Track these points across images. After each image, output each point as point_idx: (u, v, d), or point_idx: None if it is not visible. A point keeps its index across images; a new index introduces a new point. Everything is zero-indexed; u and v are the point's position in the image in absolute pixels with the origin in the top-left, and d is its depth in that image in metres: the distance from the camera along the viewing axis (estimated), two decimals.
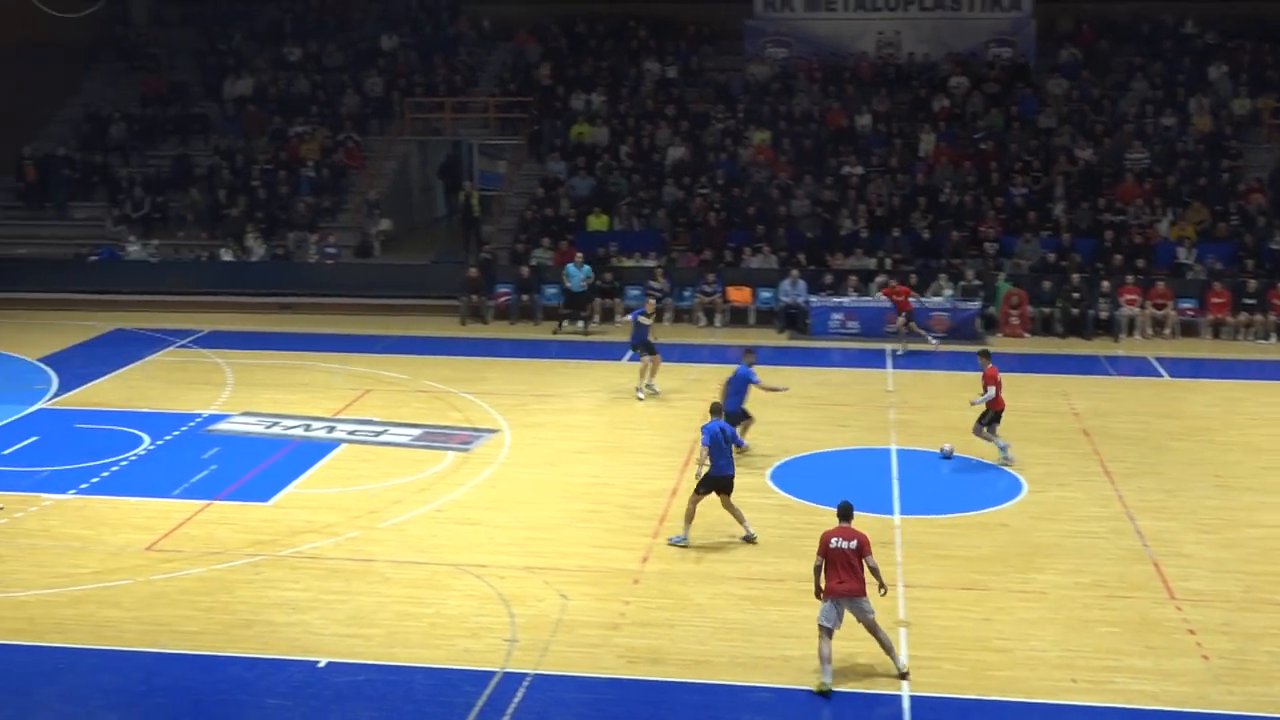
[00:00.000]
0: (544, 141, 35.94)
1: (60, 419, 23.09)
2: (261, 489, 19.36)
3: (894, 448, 21.17)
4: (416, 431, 22.09)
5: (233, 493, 19.21)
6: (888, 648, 13.86)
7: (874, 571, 13.80)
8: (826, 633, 13.70)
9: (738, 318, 30.51)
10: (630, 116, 35.87)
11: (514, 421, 22.73)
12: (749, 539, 17.25)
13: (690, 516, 17.17)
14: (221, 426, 22.47)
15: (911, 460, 20.58)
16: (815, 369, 26.45)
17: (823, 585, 13.91)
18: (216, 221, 34.52)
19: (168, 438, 21.82)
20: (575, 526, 18.00)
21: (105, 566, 16.66)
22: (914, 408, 23.45)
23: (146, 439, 21.75)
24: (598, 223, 33.00)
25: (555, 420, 22.87)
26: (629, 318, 24.99)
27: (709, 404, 18.00)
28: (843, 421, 22.64)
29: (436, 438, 21.80)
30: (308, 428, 22.33)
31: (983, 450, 20.66)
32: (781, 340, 29.12)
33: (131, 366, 26.69)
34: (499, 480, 19.86)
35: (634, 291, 30.60)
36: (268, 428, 22.37)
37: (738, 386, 20.13)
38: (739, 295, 30.62)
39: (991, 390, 20.24)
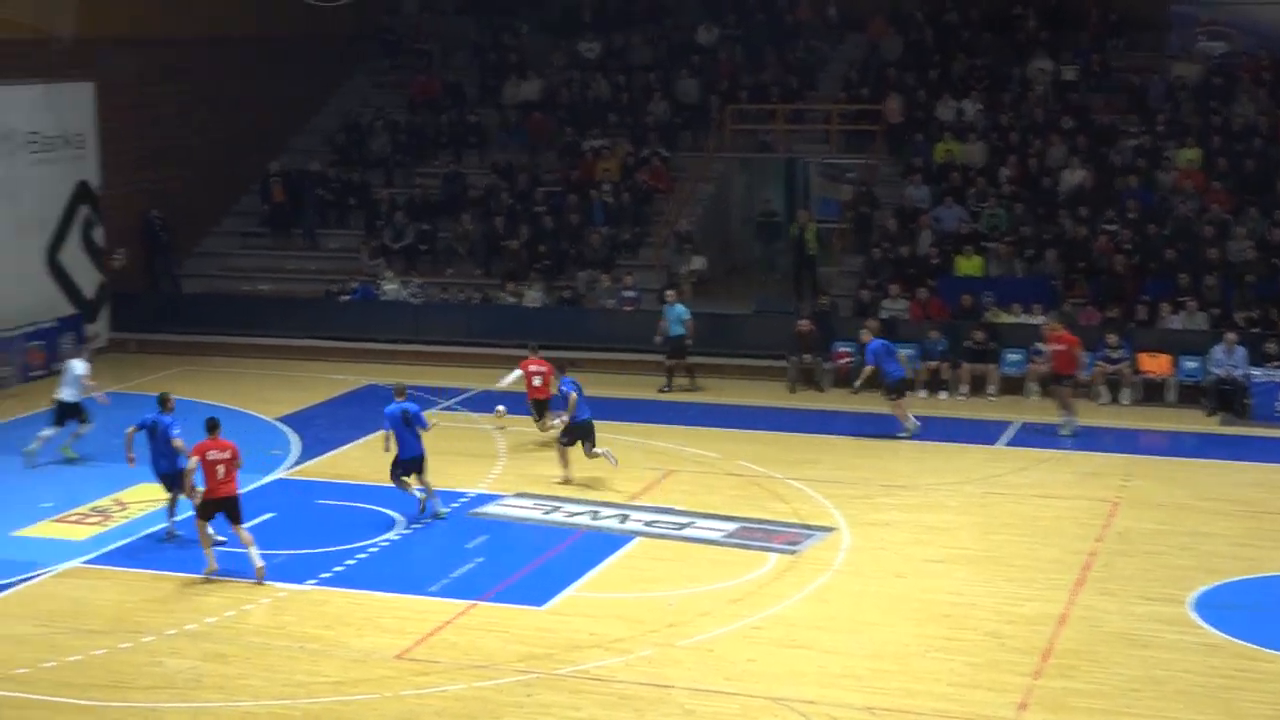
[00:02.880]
0: (901, 161, 35.89)
1: (300, 492, 24.23)
2: (536, 589, 19.78)
3: None
4: (730, 526, 22.20)
5: (502, 593, 19.70)
6: None
7: None
8: None
9: (1152, 393, 29.64)
10: (1013, 130, 35.46)
11: (854, 518, 22.61)
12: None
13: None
14: (491, 509, 23.11)
15: None
16: (1254, 465, 25.43)
17: None
18: (492, 256, 35.74)
19: (425, 521, 22.59)
20: (930, 658, 17.75)
21: (347, 676, 17.32)
22: None
23: (400, 521, 22.59)
24: (968, 265, 32.68)
25: (908, 519, 22.64)
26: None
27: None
28: None
29: (755, 535, 21.85)
30: (595, 515, 22.74)
31: None
32: (1210, 425, 28.12)
33: (386, 431, 27.73)
34: (833, 593, 19.77)
35: (1013, 355, 30.13)
36: (546, 513, 22.89)
37: None
38: (1154, 364, 29.75)
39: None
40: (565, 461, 24.59)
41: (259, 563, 20.06)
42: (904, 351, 28.75)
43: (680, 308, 31.04)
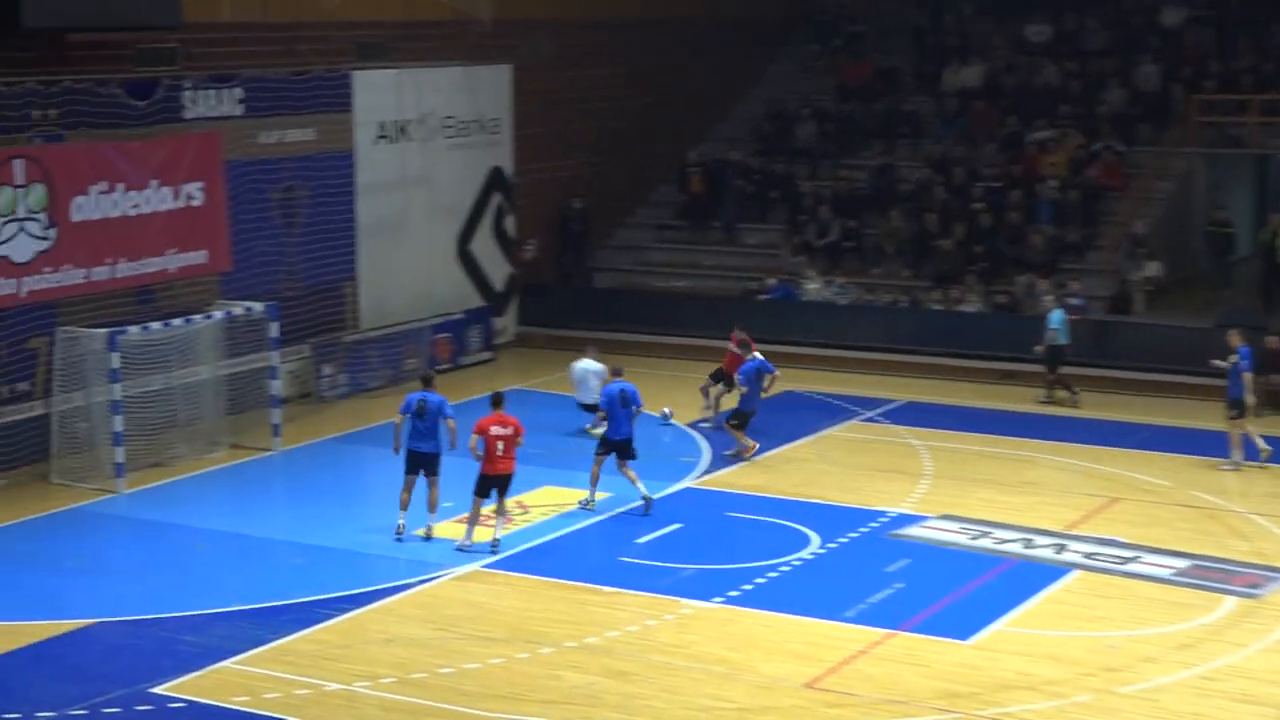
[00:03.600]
0: None
1: (709, 503, 24.47)
2: (961, 621, 19.50)
3: None
4: (1181, 563, 21.57)
5: (923, 623, 19.47)
6: None
7: None
8: None
9: None
10: None
11: None
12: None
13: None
14: (913, 531, 22.92)
15: None
16: None
17: None
18: (923, 256, 35.48)
19: (842, 540, 22.51)
20: None
21: (754, 702, 17.36)
22: None
23: (815, 539, 22.58)
24: None
25: None
26: None
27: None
28: None
29: (1210, 575, 21.17)
30: (1028, 543, 22.35)
31: None
32: None
33: (802, 442, 27.90)
34: None
35: None
36: (974, 539, 22.58)
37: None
38: None
39: None
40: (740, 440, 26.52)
41: (463, 541, 21.86)
42: None
43: (1060, 313, 30.45)
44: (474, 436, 21.78)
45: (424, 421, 22.28)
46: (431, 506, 22.42)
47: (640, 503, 23.63)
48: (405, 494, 22.42)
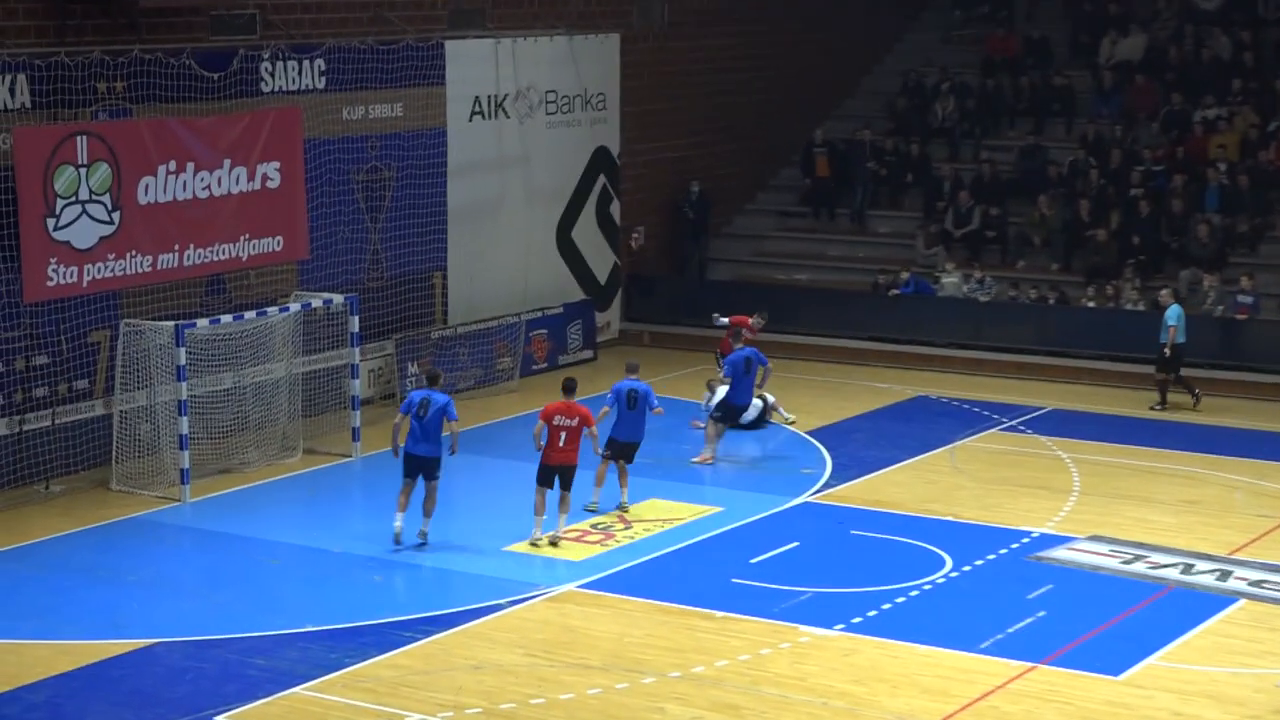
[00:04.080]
0: None
1: (830, 519, 24.43)
2: (1110, 655, 19.33)
3: None
4: None
5: (1067, 656, 19.32)
6: None
7: None
8: None
9: None
10: None
11: None
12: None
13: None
14: (1058, 554, 22.76)
15: None
16: None
17: None
18: (1074, 248, 35.24)
19: (978, 563, 22.40)
20: None
21: None
22: None
23: (948, 561, 22.48)
24: None
25: None
26: None
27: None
28: None
29: None
30: (1187, 569, 22.15)
31: None
32: None
33: (937, 452, 27.81)
34: None
35: None
36: (1126, 563, 22.41)
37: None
38: None
39: None
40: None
41: (558, 531, 22.84)
42: None
43: (1178, 308, 30.39)
44: (539, 423, 22.73)
45: (425, 422, 22.64)
46: (427, 512, 22.88)
47: (611, 512, 24.29)
48: (403, 497, 22.90)
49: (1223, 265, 33.61)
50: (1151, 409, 30.53)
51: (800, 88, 39.93)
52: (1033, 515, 24.33)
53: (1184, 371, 30.68)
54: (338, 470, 26.89)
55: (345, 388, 27.92)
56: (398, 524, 22.78)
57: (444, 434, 22.62)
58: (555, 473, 22.80)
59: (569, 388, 23.10)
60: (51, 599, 21.09)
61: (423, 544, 22.77)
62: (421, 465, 22.77)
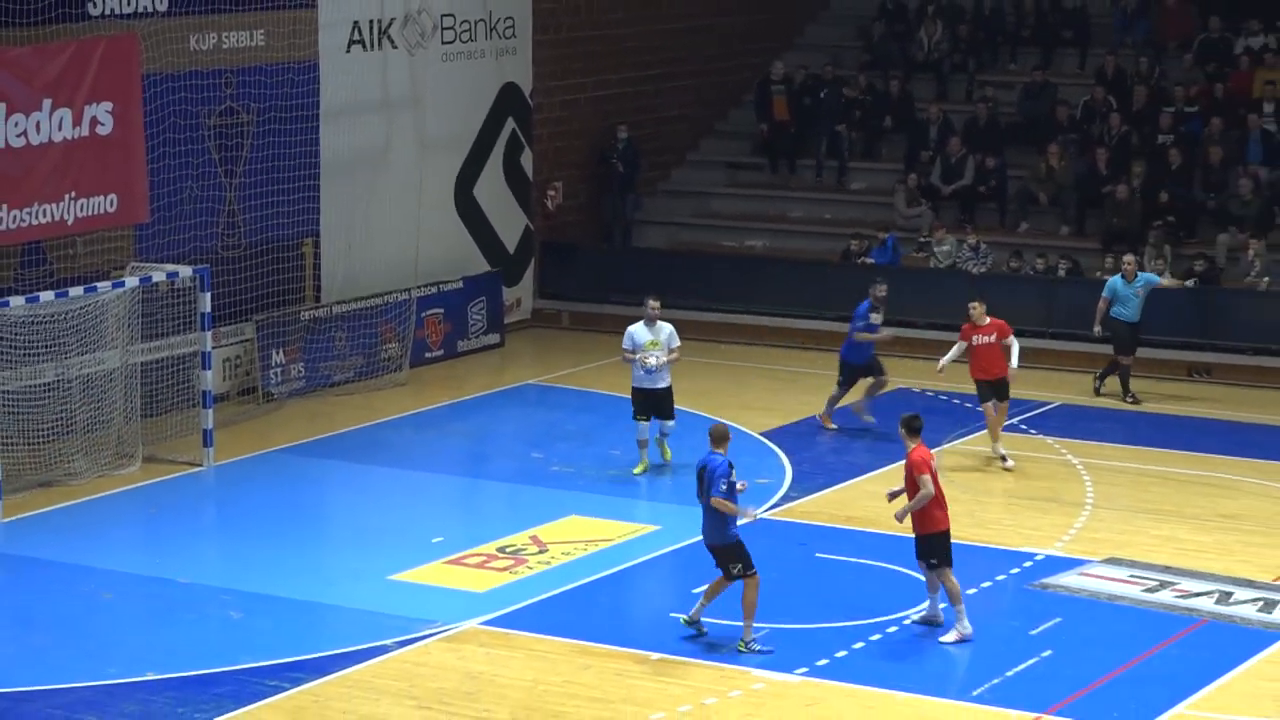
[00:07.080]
0: None
1: (790, 539, 24.49)
2: (1133, 703, 19.42)
3: None
4: None
5: (1078, 704, 19.43)
6: None
7: None
8: None
9: None
10: None
11: None
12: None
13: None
14: (1066, 580, 22.90)
15: None
16: None
17: None
18: (1088, 207, 35.39)
19: (971, 591, 22.38)
20: None
21: None
22: None
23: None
24: None
25: None
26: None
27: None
28: None
29: None
30: (1224, 598, 22.28)
31: None
32: None
33: None
34: None
35: None
36: (1150, 590, 22.54)
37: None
38: None
39: None
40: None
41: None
42: None
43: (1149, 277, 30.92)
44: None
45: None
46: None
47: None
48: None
49: (1269, 228, 33.82)
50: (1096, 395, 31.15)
51: (755, 9, 39.96)
52: (1037, 534, 24.47)
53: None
54: (185, 482, 26.80)
55: (195, 381, 27.80)
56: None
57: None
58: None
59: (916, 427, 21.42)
60: None
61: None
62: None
